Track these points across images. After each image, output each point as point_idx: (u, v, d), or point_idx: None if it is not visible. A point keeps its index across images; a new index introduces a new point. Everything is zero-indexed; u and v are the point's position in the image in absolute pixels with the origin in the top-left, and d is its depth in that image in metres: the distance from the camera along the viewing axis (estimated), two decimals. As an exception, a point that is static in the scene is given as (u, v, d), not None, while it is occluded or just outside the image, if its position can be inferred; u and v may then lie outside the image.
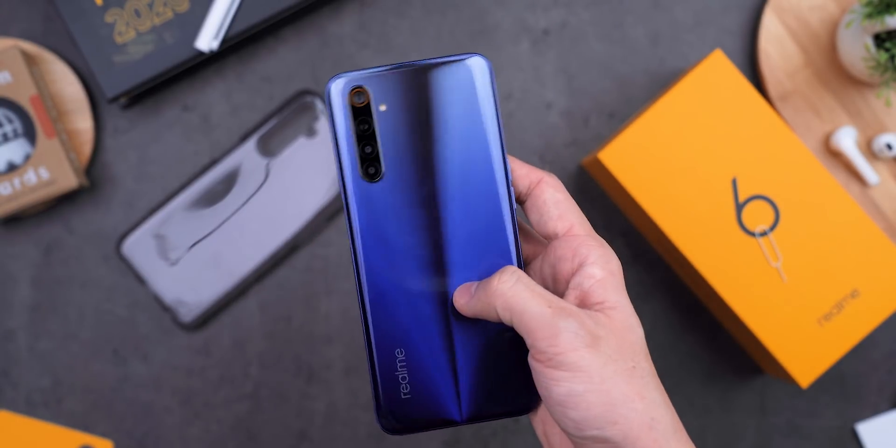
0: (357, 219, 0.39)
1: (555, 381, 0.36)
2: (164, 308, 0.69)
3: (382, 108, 0.39)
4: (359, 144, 0.39)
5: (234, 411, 0.70)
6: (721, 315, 0.68)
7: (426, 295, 0.40)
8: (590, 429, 0.35)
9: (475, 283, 0.39)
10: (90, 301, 0.70)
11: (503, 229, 0.40)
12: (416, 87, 0.39)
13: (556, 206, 0.40)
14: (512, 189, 0.40)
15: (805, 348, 0.63)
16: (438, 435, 0.70)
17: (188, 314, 0.69)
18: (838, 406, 0.71)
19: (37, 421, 0.69)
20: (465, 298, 0.39)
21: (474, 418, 0.40)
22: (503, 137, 0.39)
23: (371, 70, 0.39)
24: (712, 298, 0.66)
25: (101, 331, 0.70)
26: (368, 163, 0.39)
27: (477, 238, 0.40)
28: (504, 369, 0.40)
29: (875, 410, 0.71)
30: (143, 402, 0.70)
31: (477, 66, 0.39)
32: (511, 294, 0.37)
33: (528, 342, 0.36)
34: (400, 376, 0.40)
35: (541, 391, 0.36)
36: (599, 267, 0.38)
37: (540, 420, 0.40)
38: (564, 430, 0.36)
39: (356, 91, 0.39)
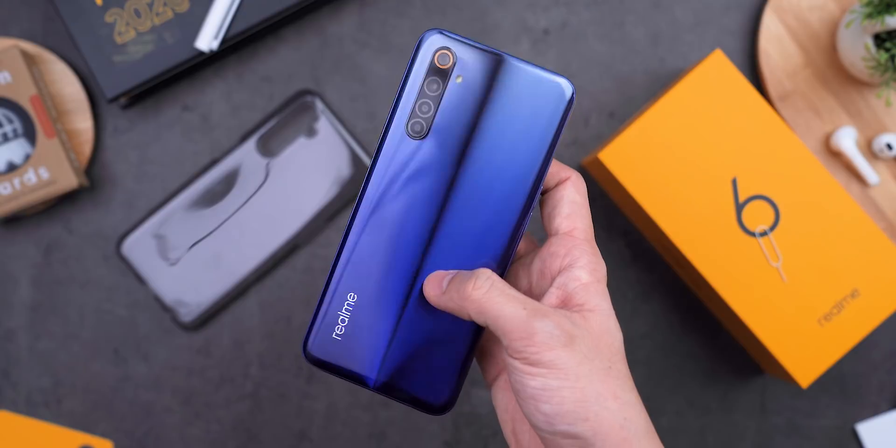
0: (380, 165, 0.40)
1: (530, 376, 0.36)
2: (164, 308, 0.69)
3: (459, 79, 0.39)
4: (419, 100, 0.40)
5: (234, 411, 0.70)
6: (721, 315, 0.68)
7: (405, 259, 0.40)
8: (560, 424, 0.36)
9: (448, 275, 0.40)
10: (90, 301, 0.70)
11: (504, 233, 0.40)
12: (499, 78, 0.40)
13: (569, 205, 0.40)
14: (533, 205, 0.41)
15: (805, 348, 0.63)
16: (439, 435, 0.70)
17: (188, 314, 0.69)
18: (838, 406, 0.71)
19: (37, 421, 0.69)
20: (435, 291, 0.39)
21: (384, 389, 0.41)
22: (548, 162, 0.40)
23: (470, 41, 0.40)
24: (712, 298, 0.66)
25: (101, 331, 0.70)
26: (418, 120, 0.40)
27: (476, 228, 0.40)
28: (435, 360, 0.41)
29: (875, 410, 0.71)
30: (143, 402, 0.70)
31: (564, 88, 0.40)
32: (485, 299, 0.37)
33: (505, 343, 0.37)
34: (341, 318, 0.40)
35: (515, 386, 0.37)
36: (587, 271, 0.39)
37: (510, 418, 0.41)
38: (535, 426, 0.37)
39: (444, 52, 0.39)
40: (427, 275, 0.40)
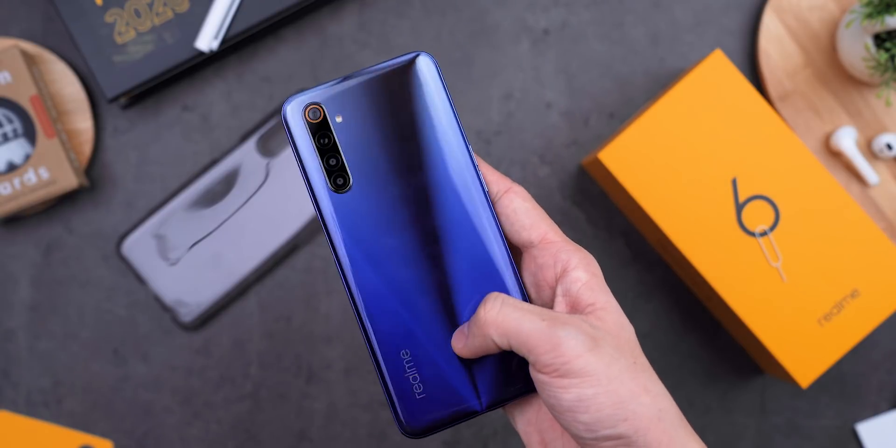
0: (338, 230, 0.40)
1: (563, 389, 0.36)
2: (164, 308, 0.69)
3: (339, 119, 0.40)
4: (323, 158, 0.40)
5: (234, 411, 0.70)
6: (721, 315, 0.68)
7: (420, 291, 0.40)
8: (602, 429, 0.36)
9: (467, 324, 0.39)
10: (90, 301, 0.70)
11: (489, 218, 0.40)
12: (367, 95, 0.40)
13: (526, 214, 0.40)
14: (484, 183, 0.40)
15: (805, 348, 0.63)
16: (438, 435, 0.70)
17: (188, 314, 0.69)
18: (838, 406, 0.71)
19: (37, 421, 0.69)
20: (461, 342, 0.39)
21: (494, 404, 0.40)
22: (463, 131, 0.40)
23: (321, 86, 0.40)
24: (712, 298, 0.66)
25: (101, 331, 0.70)
26: (336, 174, 0.40)
27: (459, 231, 0.40)
28: (503, 353, 0.40)
29: (875, 410, 0.71)
30: (143, 402, 0.70)
31: (421, 65, 0.40)
32: (501, 319, 0.37)
33: (531, 359, 0.36)
34: (410, 377, 0.40)
35: (548, 401, 0.37)
36: (583, 270, 0.39)
37: (535, 430, 0.40)
38: (575, 435, 0.37)
39: (311, 108, 0.40)
40: (458, 291, 0.40)
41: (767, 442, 0.70)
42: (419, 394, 0.40)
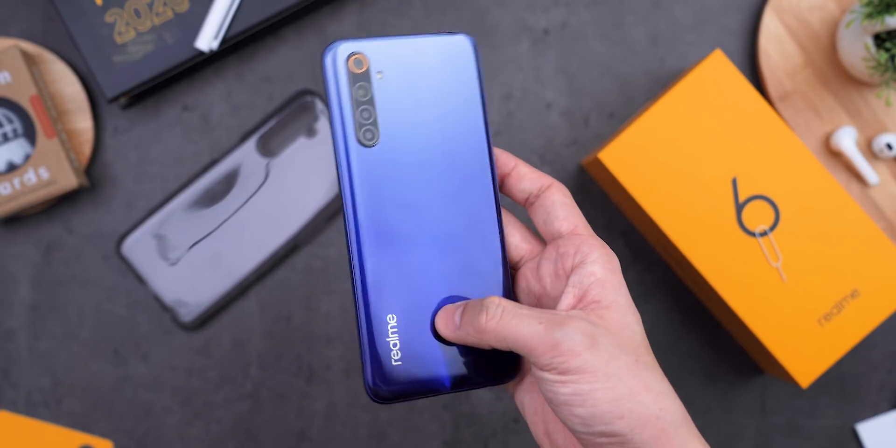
0: (356, 182, 0.39)
1: (561, 384, 0.36)
2: (164, 308, 0.69)
3: (379, 76, 0.40)
4: (356, 109, 0.40)
5: (234, 411, 0.70)
6: (721, 315, 0.68)
7: (419, 261, 0.40)
8: (597, 424, 0.36)
9: (458, 309, 0.39)
10: (90, 301, 0.70)
11: (490, 208, 0.41)
12: (410, 59, 0.40)
13: (562, 207, 0.41)
14: (495, 169, 0.41)
15: (805, 348, 0.63)
16: (439, 435, 0.70)
17: (188, 314, 0.69)
18: (838, 406, 0.71)
19: (37, 421, 0.69)
20: (450, 327, 0.39)
21: (458, 385, 0.40)
22: (486, 114, 0.41)
23: (368, 39, 0.40)
24: (712, 298, 0.66)
25: (101, 331, 0.70)
26: (365, 128, 0.40)
27: (465, 213, 0.41)
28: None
29: (875, 410, 0.71)
30: (143, 402, 0.70)
31: (464, 45, 0.41)
32: (500, 327, 0.37)
33: (532, 360, 0.37)
34: (391, 343, 0.39)
35: (546, 394, 0.37)
36: (600, 265, 0.39)
37: (540, 420, 0.41)
38: (571, 429, 0.37)
39: (355, 57, 0.40)
40: (452, 268, 0.40)
41: (767, 442, 0.70)
42: (396, 360, 0.39)
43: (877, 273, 0.63)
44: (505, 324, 0.37)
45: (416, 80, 0.40)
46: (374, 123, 0.40)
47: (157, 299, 0.69)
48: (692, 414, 0.70)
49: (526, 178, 0.42)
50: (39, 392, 0.69)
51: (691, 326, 0.71)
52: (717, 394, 0.71)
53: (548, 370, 0.36)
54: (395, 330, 0.39)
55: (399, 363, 0.39)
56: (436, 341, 0.40)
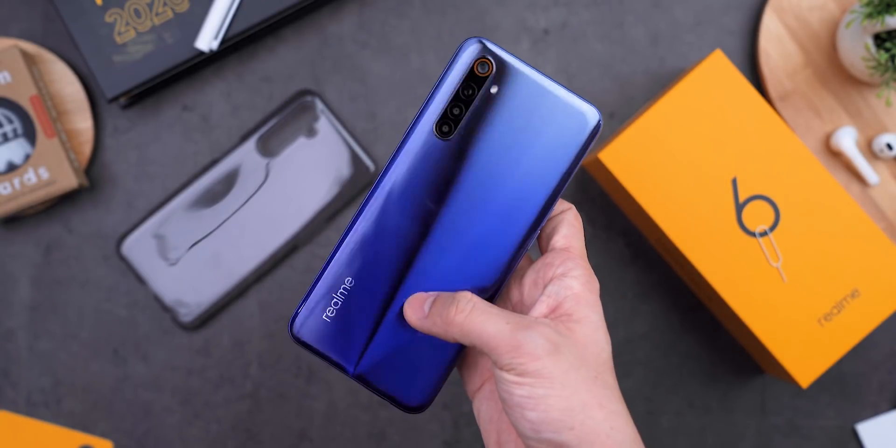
0: (401, 157, 0.40)
1: (517, 385, 0.36)
2: (164, 308, 0.69)
3: (494, 89, 0.40)
4: (452, 102, 0.40)
5: (234, 411, 0.70)
6: (721, 315, 0.68)
7: (402, 255, 0.40)
8: (546, 431, 0.36)
9: (429, 298, 0.40)
10: (90, 301, 0.70)
11: (505, 252, 0.41)
12: (531, 95, 0.40)
13: (568, 226, 0.42)
14: (538, 230, 0.41)
15: (805, 348, 0.63)
16: (439, 435, 0.70)
17: (188, 314, 0.69)
18: (838, 406, 0.71)
19: (37, 421, 0.69)
20: (417, 314, 0.40)
21: (362, 379, 0.41)
22: (563, 187, 0.41)
23: (511, 56, 0.40)
24: (712, 298, 0.66)
25: (101, 331, 0.70)
26: (448, 122, 0.40)
27: (477, 239, 0.41)
28: (416, 361, 0.41)
29: (875, 410, 0.71)
30: (143, 402, 0.70)
31: (589, 117, 0.40)
32: (467, 321, 0.38)
33: (493, 358, 0.37)
34: (334, 300, 0.41)
35: (502, 395, 0.37)
36: (580, 282, 0.40)
37: (494, 429, 0.41)
38: (521, 434, 0.37)
39: (485, 61, 0.40)
40: (419, 274, 0.41)
41: (767, 442, 0.70)
42: (326, 316, 0.40)
43: (877, 273, 0.63)
44: (473, 319, 0.37)
45: (522, 117, 0.40)
46: (456, 123, 0.40)
47: (157, 299, 0.69)
48: (692, 414, 0.70)
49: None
50: (39, 392, 0.69)
51: (691, 326, 0.71)
52: (717, 394, 0.71)
53: (506, 370, 0.36)
54: (345, 293, 0.40)
55: (327, 320, 0.40)
56: (369, 325, 0.40)
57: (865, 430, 0.70)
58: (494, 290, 0.41)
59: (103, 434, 0.70)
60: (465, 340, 0.38)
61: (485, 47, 0.40)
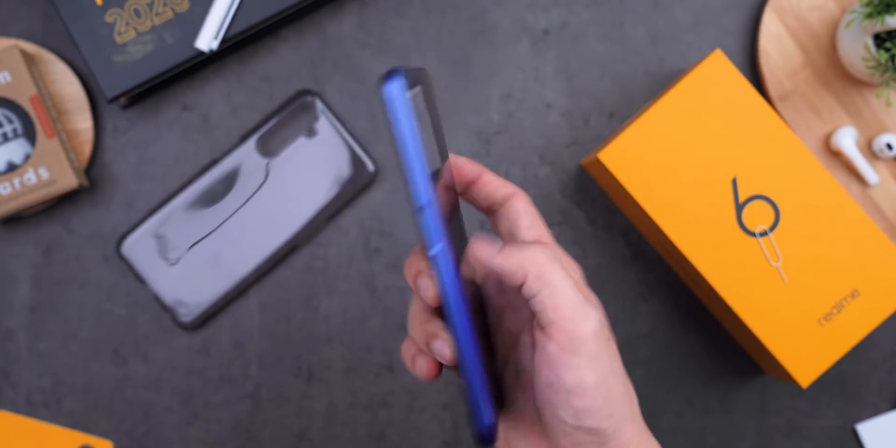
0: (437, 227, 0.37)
1: (570, 368, 0.36)
2: (164, 308, 0.69)
3: (416, 90, 0.36)
4: (424, 140, 0.37)
5: (234, 411, 0.70)
6: (721, 315, 0.68)
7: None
8: (589, 419, 0.36)
9: (497, 242, 0.38)
10: (90, 301, 0.70)
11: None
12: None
13: (527, 216, 0.41)
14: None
15: (805, 348, 0.63)
16: (439, 435, 0.70)
17: (188, 314, 0.69)
18: (838, 406, 0.71)
19: (36, 421, 0.69)
20: (489, 251, 0.37)
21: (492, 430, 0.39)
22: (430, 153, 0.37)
23: (404, 67, 0.36)
24: (712, 298, 0.66)
25: (101, 331, 0.70)
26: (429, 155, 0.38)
27: None
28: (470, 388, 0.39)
29: (875, 410, 0.71)
30: (143, 402, 0.70)
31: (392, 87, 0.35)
32: (549, 267, 0.36)
33: (550, 317, 0.36)
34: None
35: (549, 376, 0.36)
36: (571, 270, 0.40)
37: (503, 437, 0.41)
38: (560, 420, 0.37)
39: (412, 92, 0.36)
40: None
41: (767, 442, 0.70)
42: (491, 405, 0.39)
43: (877, 273, 0.63)
44: (554, 267, 0.36)
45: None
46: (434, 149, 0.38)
47: (157, 299, 0.69)
48: (692, 414, 0.70)
49: (490, 185, 0.41)
50: (39, 392, 0.69)
51: (691, 326, 0.71)
52: (717, 394, 0.71)
53: (558, 341, 0.36)
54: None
55: (490, 406, 0.39)
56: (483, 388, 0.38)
57: (865, 430, 0.70)
58: None
59: (103, 434, 0.70)
60: (534, 283, 0.36)
61: (403, 82, 0.34)
